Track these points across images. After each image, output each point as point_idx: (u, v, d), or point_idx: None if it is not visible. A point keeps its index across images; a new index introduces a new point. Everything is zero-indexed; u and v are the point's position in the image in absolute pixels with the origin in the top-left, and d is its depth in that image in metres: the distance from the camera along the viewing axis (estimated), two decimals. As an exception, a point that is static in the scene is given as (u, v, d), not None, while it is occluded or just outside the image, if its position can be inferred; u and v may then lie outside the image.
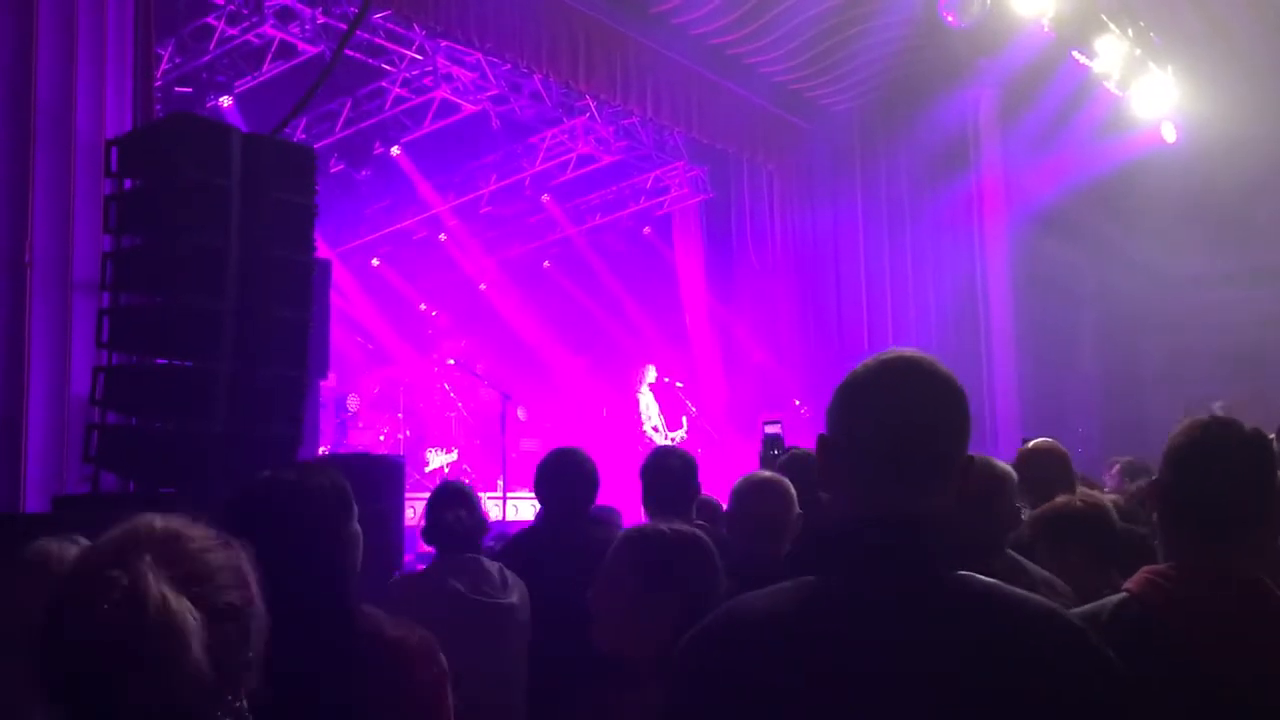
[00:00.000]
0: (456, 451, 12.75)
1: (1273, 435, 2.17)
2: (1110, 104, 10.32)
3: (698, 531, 2.26)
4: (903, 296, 11.78)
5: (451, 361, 12.85)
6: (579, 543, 3.48)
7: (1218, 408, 4.90)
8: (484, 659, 3.19)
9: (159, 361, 4.76)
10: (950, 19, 8.86)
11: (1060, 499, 3.29)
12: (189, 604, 1.08)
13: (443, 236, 14.32)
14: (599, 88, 9.85)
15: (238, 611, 1.17)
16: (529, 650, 3.41)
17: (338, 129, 11.05)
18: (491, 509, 10.26)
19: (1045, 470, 3.99)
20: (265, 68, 9.48)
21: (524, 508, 9.76)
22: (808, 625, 1.37)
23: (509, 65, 9.96)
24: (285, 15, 9.03)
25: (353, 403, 12.51)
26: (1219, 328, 9.38)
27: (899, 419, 1.43)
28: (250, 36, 9.14)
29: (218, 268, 4.59)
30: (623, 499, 6.46)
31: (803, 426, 10.61)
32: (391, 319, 14.39)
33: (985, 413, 10.84)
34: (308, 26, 9.07)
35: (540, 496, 3.90)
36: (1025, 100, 10.73)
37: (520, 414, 13.19)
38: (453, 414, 13.22)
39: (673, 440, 11.69)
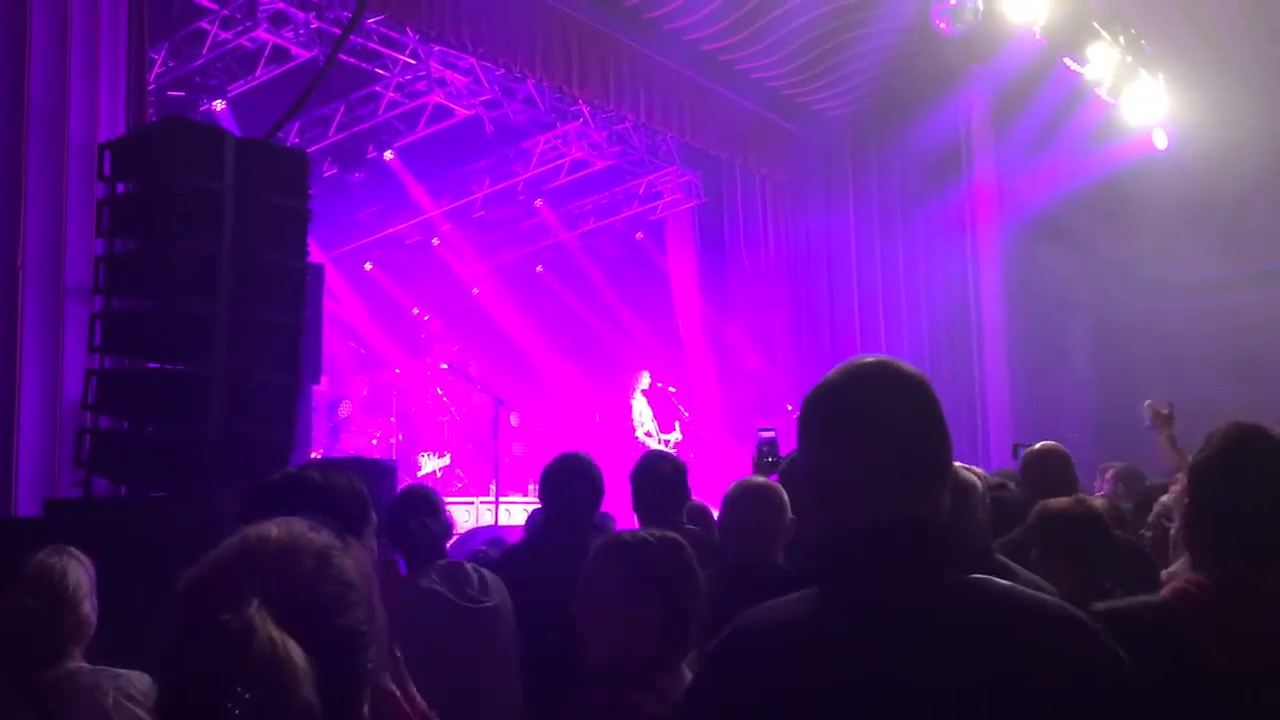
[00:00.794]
0: (449, 456, 12.76)
1: None
2: (1102, 111, 10.35)
3: (677, 537, 2.26)
4: (895, 302, 11.81)
5: (444, 366, 12.85)
6: (583, 548, 3.48)
7: (1147, 406, 4.97)
8: (473, 662, 3.20)
9: (151, 366, 4.76)
10: (942, 26, 8.89)
11: (1053, 501, 3.30)
12: (296, 646, 1.05)
13: (436, 241, 14.32)
14: (592, 93, 9.86)
15: (352, 637, 1.13)
16: (529, 655, 3.40)
17: (331, 133, 11.04)
18: (484, 513, 10.28)
19: (1049, 472, 4.01)
20: (259, 72, 9.47)
21: (516, 512, 9.76)
22: (824, 634, 1.38)
23: (502, 70, 9.97)
24: (279, 20, 9.03)
25: (345, 408, 12.51)
26: (1212, 334, 9.41)
27: (876, 426, 1.44)
28: (243, 41, 9.13)
29: (211, 272, 4.59)
30: (615, 504, 6.45)
31: (794, 431, 10.60)
32: (384, 323, 14.38)
33: (977, 419, 10.87)
34: (301, 31, 9.07)
35: (544, 500, 3.89)
36: (1017, 107, 10.76)
37: (513, 420, 13.19)
38: (445, 418, 13.22)
39: (666, 445, 11.71)
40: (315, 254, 8.31)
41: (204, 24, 8.96)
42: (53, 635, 2.53)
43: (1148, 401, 4.91)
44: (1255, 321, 10.17)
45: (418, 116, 11.16)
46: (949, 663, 1.31)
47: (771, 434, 5.86)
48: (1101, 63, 9.76)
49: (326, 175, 11.60)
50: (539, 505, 4.12)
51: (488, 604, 3.34)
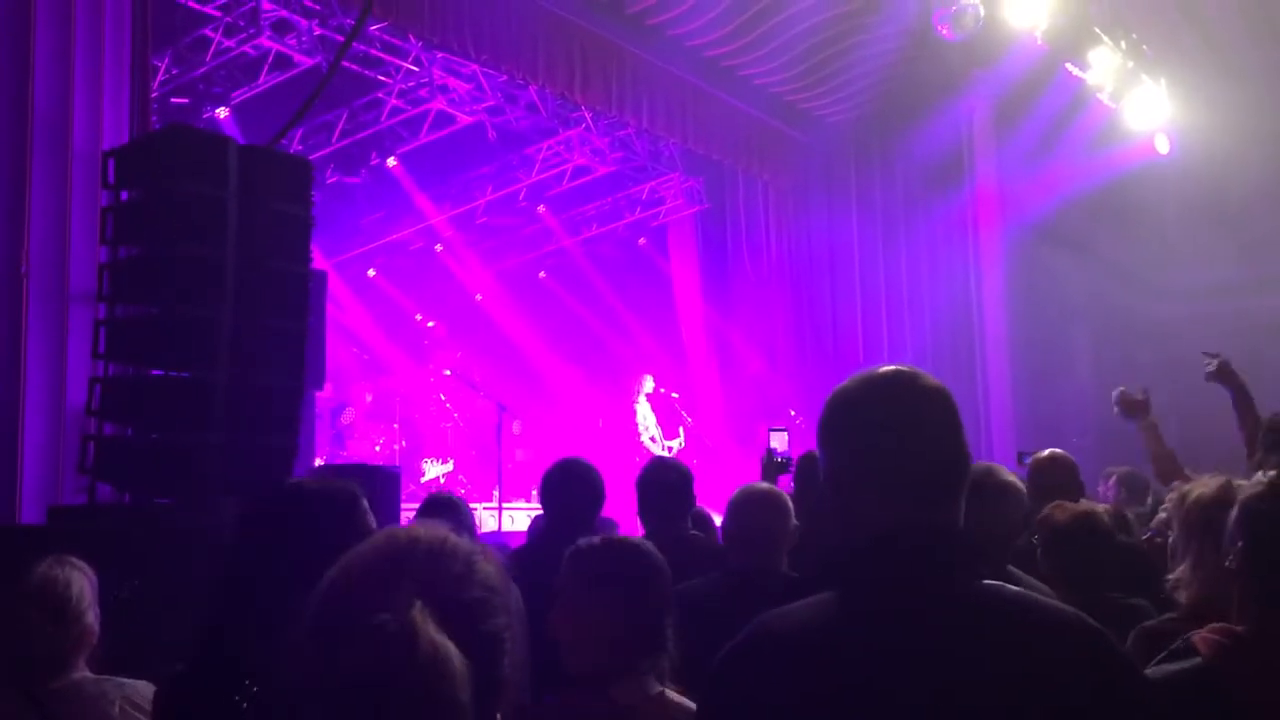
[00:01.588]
0: (452, 462, 12.76)
1: None
2: (1103, 116, 10.35)
3: (641, 544, 2.28)
4: (898, 307, 11.80)
5: (447, 372, 12.85)
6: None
7: (1118, 394, 4.83)
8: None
9: (155, 372, 4.76)
10: (944, 31, 8.89)
11: (1055, 509, 3.30)
12: (455, 649, 1.02)
13: (439, 247, 14.34)
14: (595, 99, 9.87)
15: (498, 639, 1.11)
16: (531, 660, 3.39)
17: (334, 140, 11.06)
18: (487, 520, 10.27)
19: (1056, 478, 4.01)
20: (262, 79, 9.50)
21: (519, 518, 9.75)
22: (838, 640, 1.38)
23: (505, 77, 9.99)
24: (282, 27, 9.05)
25: (348, 414, 12.51)
26: (1215, 338, 9.38)
27: (893, 436, 1.44)
28: (247, 48, 9.16)
29: (214, 279, 4.59)
30: (619, 510, 6.45)
31: (799, 436, 10.60)
32: (387, 330, 14.39)
33: (980, 424, 10.86)
34: (304, 38, 9.09)
35: (545, 506, 3.89)
36: (1019, 112, 10.77)
37: (515, 428, 13.18)
38: (448, 425, 13.22)
39: (670, 450, 11.70)
40: (318, 260, 8.31)
41: (207, 31, 8.98)
42: (58, 646, 2.54)
43: (1119, 389, 4.83)
44: (1259, 326, 10.16)
45: (420, 123, 11.18)
46: (966, 671, 1.31)
47: (784, 435, 5.78)
48: (1103, 68, 9.76)
49: (329, 182, 11.62)
50: (542, 511, 4.12)
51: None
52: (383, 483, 5.71)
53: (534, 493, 10.65)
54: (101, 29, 5.76)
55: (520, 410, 13.11)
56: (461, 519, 3.50)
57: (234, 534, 1.99)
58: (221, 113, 9.61)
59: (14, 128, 5.34)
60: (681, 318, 13.80)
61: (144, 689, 2.52)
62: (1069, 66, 9.77)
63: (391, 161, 11.72)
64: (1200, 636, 1.85)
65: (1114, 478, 5.98)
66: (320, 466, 8.84)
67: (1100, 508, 3.93)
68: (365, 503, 2.00)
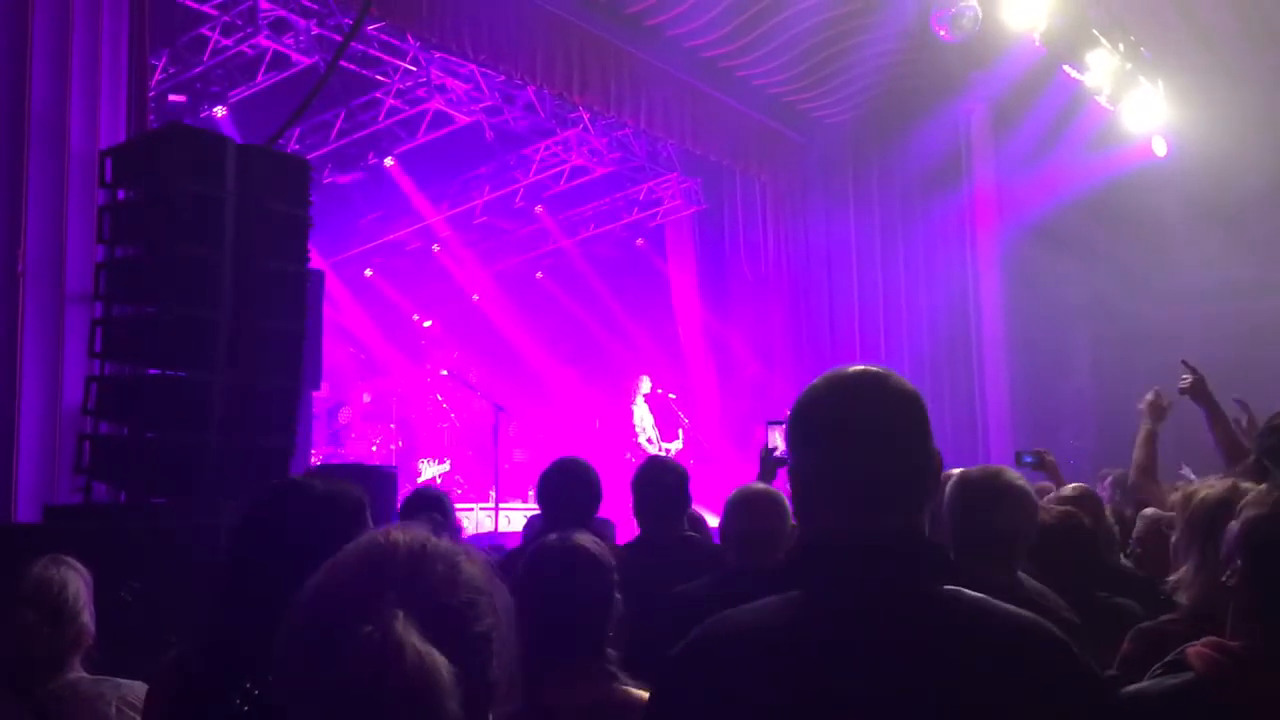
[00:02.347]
0: (449, 462, 12.76)
1: None
2: (1101, 118, 10.36)
3: (581, 543, 2.28)
4: (895, 308, 11.81)
5: (444, 372, 12.85)
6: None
7: (1155, 393, 4.84)
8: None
9: (152, 372, 4.76)
10: (942, 33, 8.90)
11: (1043, 512, 3.29)
12: (441, 657, 1.00)
13: (436, 247, 14.33)
14: (593, 100, 9.87)
15: (486, 642, 1.09)
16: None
17: (331, 139, 11.05)
18: (484, 520, 10.27)
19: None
20: (259, 78, 9.48)
21: (516, 518, 9.75)
22: (791, 641, 1.37)
23: (503, 77, 9.98)
24: (279, 26, 9.04)
25: (345, 414, 12.51)
26: (1213, 340, 9.40)
27: (855, 438, 1.43)
28: (244, 47, 9.15)
29: (211, 278, 4.59)
30: (616, 510, 6.44)
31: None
32: (385, 330, 14.39)
33: (978, 425, 10.87)
34: (302, 38, 9.08)
35: (542, 506, 3.89)
36: (1017, 114, 10.78)
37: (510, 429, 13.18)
38: (445, 425, 13.22)
39: (667, 451, 11.70)
40: (315, 260, 8.30)
41: (205, 30, 8.97)
42: (54, 646, 2.53)
43: (1156, 389, 4.82)
44: (1257, 328, 10.17)
45: (418, 123, 11.17)
46: (916, 675, 1.30)
47: (782, 429, 5.76)
48: (1101, 70, 9.77)
49: (327, 182, 11.61)
50: (538, 511, 4.11)
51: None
52: (379, 483, 5.71)
53: (531, 493, 10.66)
54: (99, 27, 5.76)
55: (517, 411, 13.10)
56: (445, 514, 3.48)
57: (235, 534, 1.98)
58: (219, 112, 9.60)
59: (11, 126, 5.33)
60: (679, 318, 13.81)
61: (140, 689, 2.51)
62: (1067, 68, 9.78)
63: (389, 161, 11.72)
64: (1194, 651, 1.82)
65: (1110, 478, 5.97)
66: (318, 466, 8.82)
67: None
68: (368, 511, 1.99)
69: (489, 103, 10.85)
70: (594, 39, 9.59)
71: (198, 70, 9.32)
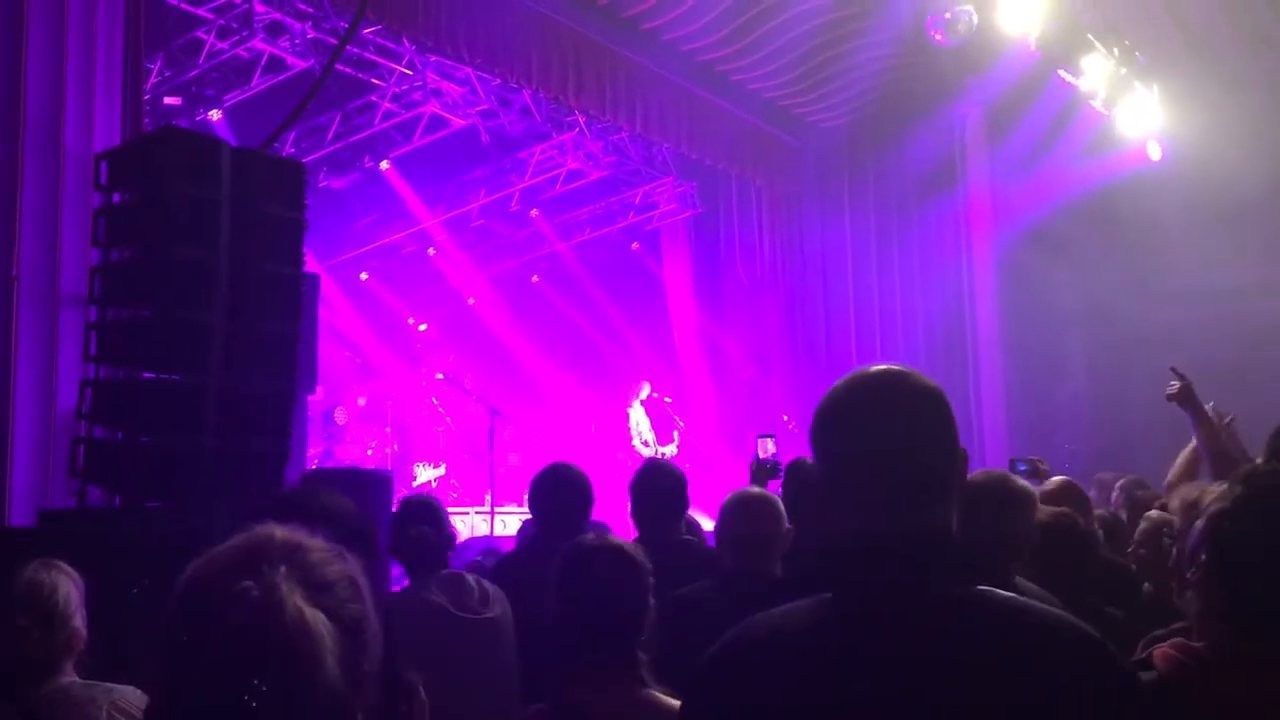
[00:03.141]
0: (444, 466, 12.74)
1: None
2: (1096, 122, 10.39)
3: (626, 544, 2.29)
4: (890, 312, 11.82)
5: (440, 376, 12.83)
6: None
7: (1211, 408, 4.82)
8: (471, 673, 3.18)
9: (146, 375, 4.74)
10: (938, 38, 8.92)
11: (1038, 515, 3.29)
12: (322, 615, 1.04)
13: (431, 251, 14.32)
14: (588, 103, 9.86)
15: (360, 624, 1.12)
16: (524, 665, 3.38)
17: (327, 143, 11.04)
18: (479, 524, 10.25)
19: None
20: (255, 82, 9.47)
21: (512, 522, 9.74)
22: (823, 644, 1.37)
23: (499, 80, 9.97)
24: (275, 30, 9.03)
25: (340, 416, 12.48)
26: (1209, 344, 9.41)
27: (879, 440, 1.43)
28: (240, 51, 9.13)
29: (206, 282, 4.57)
30: (610, 514, 6.45)
31: (791, 442, 10.60)
32: (380, 333, 14.37)
33: (973, 430, 10.87)
34: (297, 41, 9.07)
35: (534, 511, 3.88)
36: (1012, 118, 10.80)
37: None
38: (441, 429, 13.20)
39: (663, 455, 11.70)
40: (311, 263, 8.30)
41: (200, 33, 8.96)
42: (45, 651, 2.52)
43: (1213, 405, 4.81)
44: (1253, 331, 10.19)
45: (414, 126, 11.17)
46: (952, 675, 1.30)
47: (772, 444, 5.74)
48: (1096, 74, 9.79)
49: (322, 185, 11.60)
50: (531, 516, 4.11)
51: (488, 615, 3.32)
52: (375, 487, 5.69)
53: (526, 497, 10.65)
54: (94, 31, 5.74)
55: (512, 415, 13.09)
56: (439, 520, 3.47)
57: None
58: (214, 115, 9.58)
59: (5, 129, 5.32)
60: (674, 322, 13.80)
61: (132, 695, 2.50)
62: (1061, 73, 9.80)
63: (385, 164, 11.71)
64: (1160, 651, 1.79)
65: (1119, 484, 5.98)
66: (312, 470, 8.80)
67: (1097, 513, 3.96)
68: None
69: (485, 106, 10.84)
70: (590, 42, 9.60)
71: (193, 73, 9.30)
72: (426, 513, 3.49)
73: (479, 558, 5.81)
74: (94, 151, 5.36)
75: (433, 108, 10.72)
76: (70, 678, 2.55)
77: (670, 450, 12.14)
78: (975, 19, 8.72)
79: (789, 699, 1.35)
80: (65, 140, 5.51)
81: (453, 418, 13.23)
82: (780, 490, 4.51)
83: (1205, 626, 1.82)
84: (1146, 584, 3.60)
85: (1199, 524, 1.88)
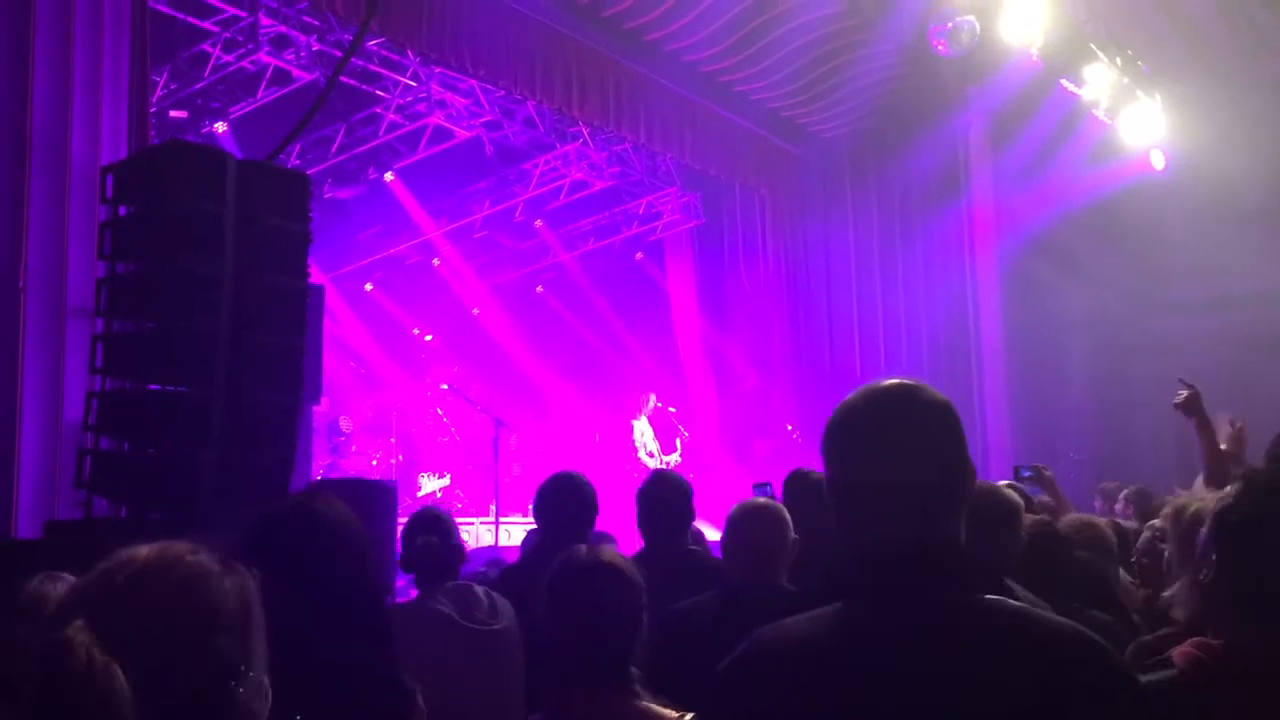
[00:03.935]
0: (449, 476, 12.74)
1: None
2: (1099, 132, 10.41)
3: (618, 557, 2.29)
4: (894, 322, 11.82)
5: (444, 387, 12.85)
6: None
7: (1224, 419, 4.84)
8: (478, 685, 3.18)
9: (152, 387, 4.75)
10: (940, 48, 8.94)
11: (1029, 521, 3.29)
12: (119, 672, 1.04)
13: (436, 262, 14.34)
14: (592, 114, 9.90)
15: (217, 660, 1.12)
16: (528, 676, 3.38)
17: (332, 154, 11.07)
18: (484, 534, 10.25)
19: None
20: (260, 94, 9.51)
21: (516, 533, 9.74)
22: (839, 654, 1.39)
23: (502, 92, 10.01)
24: (280, 42, 9.07)
25: (345, 425, 12.49)
26: (1211, 352, 9.42)
27: (892, 453, 1.45)
28: (245, 63, 9.17)
29: (212, 294, 4.59)
30: (616, 525, 6.44)
31: (795, 451, 10.61)
32: (384, 344, 14.38)
33: (976, 438, 10.86)
34: (302, 53, 9.11)
35: (539, 521, 3.88)
36: (1015, 128, 10.82)
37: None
38: (445, 439, 13.20)
39: (667, 465, 11.70)
40: (315, 275, 8.31)
41: (206, 46, 9.00)
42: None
43: (1241, 418, 4.84)
44: (1254, 340, 10.18)
45: (418, 138, 11.20)
46: (967, 685, 1.32)
47: (767, 489, 5.63)
48: (1098, 84, 9.82)
49: (327, 197, 11.63)
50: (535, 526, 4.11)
51: (496, 627, 3.32)
52: (379, 497, 5.71)
53: (531, 507, 10.65)
54: (100, 44, 5.77)
55: (516, 425, 13.10)
56: (448, 532, 3.47)
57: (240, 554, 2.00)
58: (220, 128, 9.63)
59: (12, 142, 5.34)
60: (678, 332, 13.82)
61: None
62: (1064, 82, 9.83)
63: (389, 176, 11.73)
64: (1180, 650, 1.78)
65: (1124, 494, 5.98)
66: (318, 481, 8.82)
67: (1102, 521, 3.95)
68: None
69: (489, 117, 10.87)
70: (593, 53, 9.63)
71: (199, 86, 9.34)
72: (435, 524, 3.49)
73: (484, 568, 5.81)
74: (100, 164, 5.39)
75: (437, 119, 10.75)
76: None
77: (674, 459, 12.15)
78: (978, 29, 8.74)
79: (804, 709, 1.36)
80: (71, 153, 5.53)
81: (457, 428, 13.24)
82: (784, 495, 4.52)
83: (1222, 625, 1.80)
84: (1146, 591, 3.59)
85: (1204, 529, 1.87)
